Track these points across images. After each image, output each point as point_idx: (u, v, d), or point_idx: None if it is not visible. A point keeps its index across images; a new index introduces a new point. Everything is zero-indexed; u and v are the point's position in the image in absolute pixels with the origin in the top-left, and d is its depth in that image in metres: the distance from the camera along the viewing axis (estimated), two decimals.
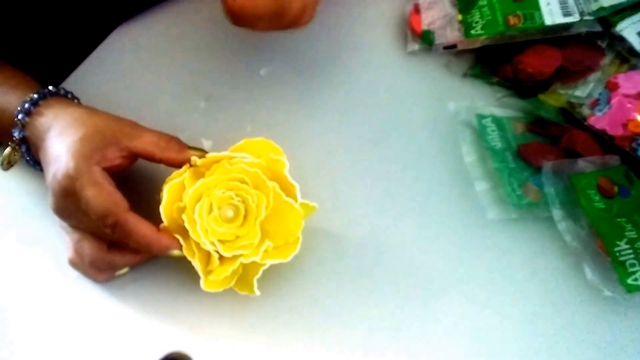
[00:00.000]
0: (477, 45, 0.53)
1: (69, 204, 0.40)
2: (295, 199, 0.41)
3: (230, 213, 0.41)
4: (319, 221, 0.46)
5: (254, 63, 0.55)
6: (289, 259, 0.41)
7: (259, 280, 0.41)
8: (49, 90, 0.45)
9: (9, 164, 0.45)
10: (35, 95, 0.43)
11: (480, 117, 0.50)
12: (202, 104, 0.53)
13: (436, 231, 0.47)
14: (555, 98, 0.50)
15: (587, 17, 0.50)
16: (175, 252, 0.41)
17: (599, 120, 0.47)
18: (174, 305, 0.44)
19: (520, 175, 0.47)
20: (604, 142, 0.47)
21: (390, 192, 0.48)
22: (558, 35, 0.50)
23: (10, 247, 0.47)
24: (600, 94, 0.49)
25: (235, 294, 0.42)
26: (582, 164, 0.46)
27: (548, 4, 0.51)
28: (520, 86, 0.52)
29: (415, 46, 0.55)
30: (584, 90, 0.50)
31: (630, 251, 0.43)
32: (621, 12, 0.50)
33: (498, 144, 0.49)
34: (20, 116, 0.43)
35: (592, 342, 0.42)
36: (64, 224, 0.43)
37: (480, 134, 0.49)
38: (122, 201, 0.40)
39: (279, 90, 0.53)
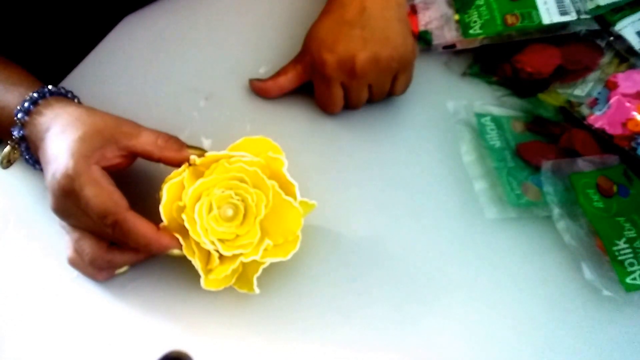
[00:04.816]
0: (476, 44, 0.53)
1: (68, 204, 0.40)
2: (295, 198, 0.41)
3: (229, 212, 0.41)
4: (319, 219, 0.46)
5: (254, 62, 0.55)
6: (288, 257, 0.41)
7: (258, 279, 0.41)
8: (49, 89, 0.45)
9: (8, 163, 0.45)
10: (35, 95, 0.43)
11: (479, 116, 0.50)
12: (202, 103, 0.53)
13: (435, 230, 0.47)
14: (555, 97, 0.50)
15: (583, 16, 0.50)
16: (175, 251, 0.41)
17: (598, 119, 0.47)
18: (173, 303, 0.44)
19: (519, 174, 0.47)
20: (603, 141, 0.47)
21: (389, 190, 0.48)
22: (556, 34, 0.50)
23: (10, 246, 0.47)
24: (599, 93, 0.49)
25: (235, 293, 0.42)
26: (581, 163, 0.46)
27: (545, 3, 0.51)
28: (520, 85, 0.52)
29: None
30: (583, 90, 0.50)
31: (629, 250, 0.43)
32: (620, 12, 0.51)
33: (497, 143, 0.49)
34: (19, 115, 0.43)
35: (591, 341, 0.42)
36: (64, 223, 0.43)
37: (479, 133, 0.49)
38: (122, 200, 0.40)
39: None
